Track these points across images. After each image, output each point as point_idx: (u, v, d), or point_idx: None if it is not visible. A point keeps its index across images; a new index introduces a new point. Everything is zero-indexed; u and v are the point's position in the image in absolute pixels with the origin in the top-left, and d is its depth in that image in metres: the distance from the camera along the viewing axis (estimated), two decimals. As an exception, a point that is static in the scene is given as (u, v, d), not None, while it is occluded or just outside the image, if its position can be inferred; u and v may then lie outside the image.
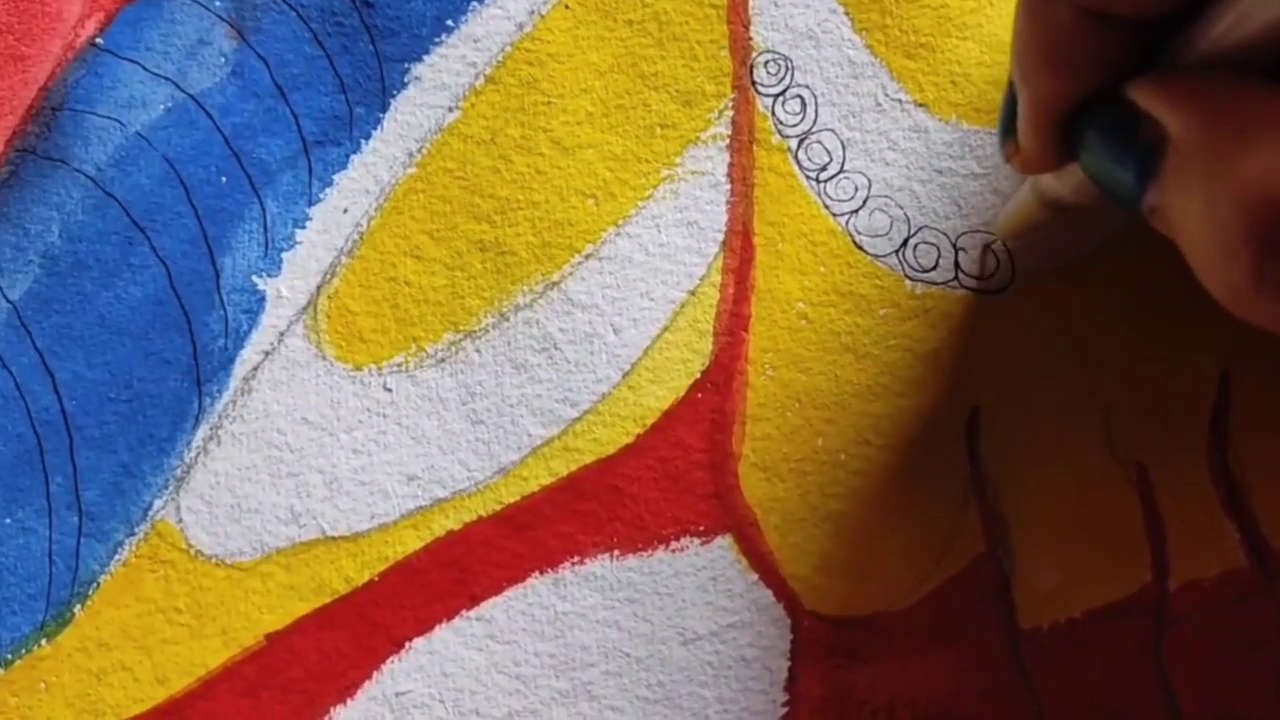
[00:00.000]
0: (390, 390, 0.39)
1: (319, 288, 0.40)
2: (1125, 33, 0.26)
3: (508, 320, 0.39)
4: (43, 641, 0.38)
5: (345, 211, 0.40)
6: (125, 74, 0.41)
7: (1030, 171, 0.32)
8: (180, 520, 0.39)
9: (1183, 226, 0.25)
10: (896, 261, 0.38)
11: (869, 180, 0.39)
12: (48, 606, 0.38)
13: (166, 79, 0.41)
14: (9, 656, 0.38)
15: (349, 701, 0.38)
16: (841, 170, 0.39)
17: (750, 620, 0.37)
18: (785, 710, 0.37)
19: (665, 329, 0.39)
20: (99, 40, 0.42)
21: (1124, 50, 0.27)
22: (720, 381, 0.39)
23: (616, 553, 0.38)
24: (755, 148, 0.40)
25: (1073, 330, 0.37)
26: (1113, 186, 0.27)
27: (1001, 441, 0.37)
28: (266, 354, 0.40)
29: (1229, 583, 0.36)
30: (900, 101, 0.39)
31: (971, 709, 0.36)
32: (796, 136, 0.39)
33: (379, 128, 0.41)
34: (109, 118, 0.41)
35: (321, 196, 0.41)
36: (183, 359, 0.40)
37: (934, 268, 0.38)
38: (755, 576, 0.38)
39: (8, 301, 0.40)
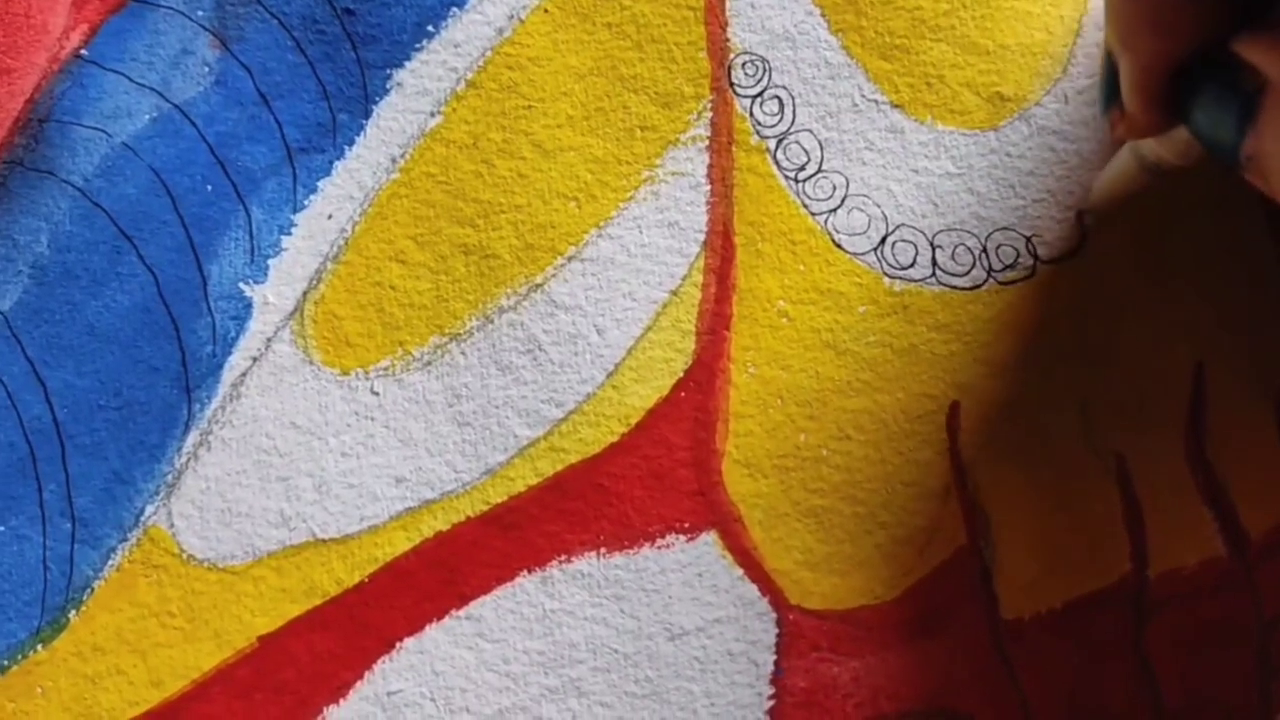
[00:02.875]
0: (377, 394, 0.40)
1: (305, 294, 0.40)
2: None
3: (492, 323, 0.40)
4: (38, 647, 0.39)
5: (330, 218, 0.41)
6: (110, 85, 0.42)
7: (1137, 136, 0.33)
8: (172, 525, 0.39)
9: (1275, 165, 0.26)
10: (875, 259, 0.39)
11: (847, 180, 0.39)
12: (43, 612, 0.39)
13: (151, 89, 0.42)
14: (5, 663, 0.39)
15: (341, 702, 0.38)
16: (819, 170, 0.40)
17: (736, 615, 0.38)
18: (771, 703, 0.37)
19: (648, 329, 0.39)
20: (84, 52, 0.42)
21: (1225, 10, 0.27)
22: (703, 380, 0.39)
23: (603, 550, 0.38)
24: (734, 148, 0.40)
25: (1050, 324, 0.38)
26: (1216, 138, 0.28)
27: (981, 435, 0.38)
28: (254, 360, 0.40)
29: (1207, 571, 0.36)
30: (877, 102, 0.40)
31: (955, 700, 0.37)
32: (775, 137, 0.40)
33: (362, 134, 0.41)
34: (95, 128, 0.41)
35: (306, 203, 0.41)
36: (172, 366, 0.40)
37: (911, 265, 0.39)
38: (740, 572, 0.38)
39: (-2, 312, 0.40)
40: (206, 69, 0.42)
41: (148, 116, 0.42)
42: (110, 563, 0.39)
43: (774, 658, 0.38)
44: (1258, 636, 0.36)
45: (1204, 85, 0.29)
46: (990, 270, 0.38)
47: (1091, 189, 0.37)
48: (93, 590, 0.39)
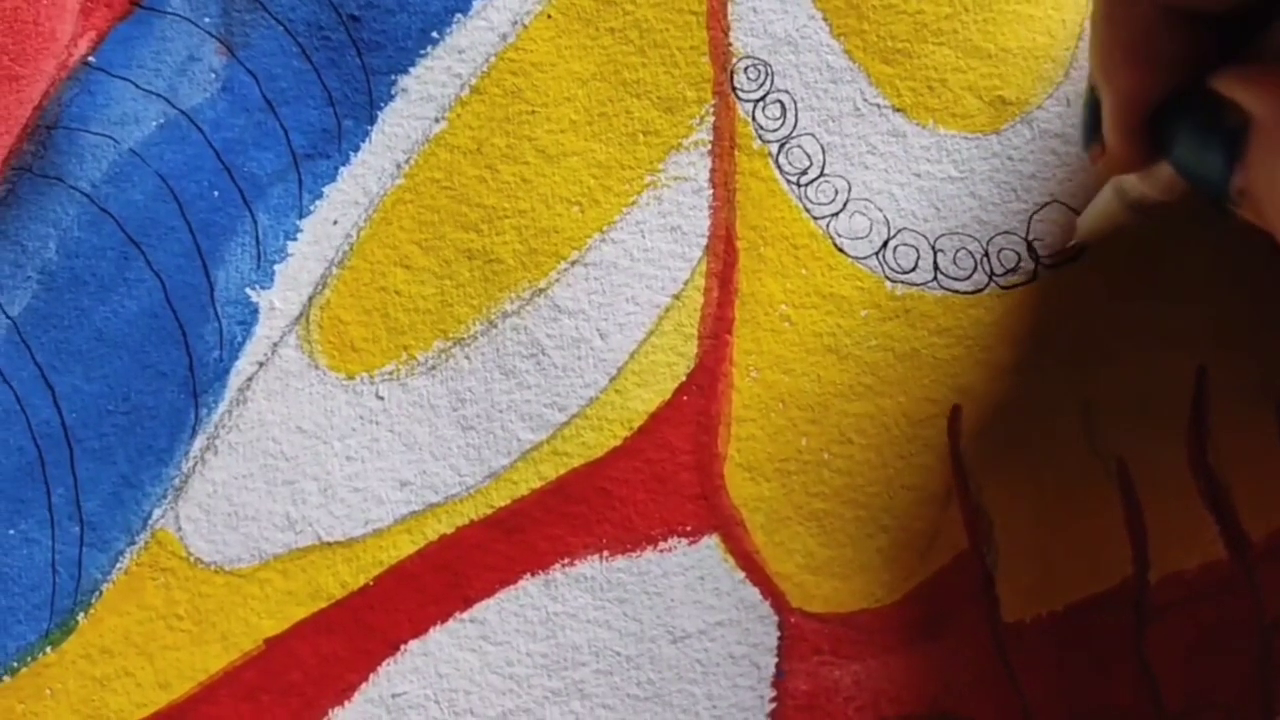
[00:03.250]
0: (382, 398, 0.40)
1: (311, 298, 0.41)
2: (1205, 28, 0.27)
3: (496, 327, 0.40)
4: (47, 649, 0.39)
5: (335, 223, 0.41)
6: (118, 91, 0.42)
7: (1118, 172, 0.33)
8: (179, 529, 0.40)
9: (1270, 200, 0.26)
10: (877, 263, 0.39)
11: (849, 184, 0.39)
12: (52, 615, 0.39)
13: (158, 95, 0.42)
14: (15, 664, 0.39)
15: (346, 704, 0.39)
16: (821, 174, 0.40)
17: (738, 618, 0.38)
18: (773, 706, 0.37)
19: (651, 333, 0.40)
20: (92, 59, 0.42)
21: (1204, 45, 0.28)
22: (705, 384, 0.39)
23: (606, 554, 0.39)
24: (736, 153, 0.40)
25: (1051, 327, 0.38)
26: (1201, 174, 0.28)
27: (983, 439, 0.38)
28: (261, 364, 0.40)
29: (1209, 575, 0.36)
30: (879, 106, 0.40)
31: (956, 704, 0.37)
32: (777, 141, 0.40)
33: (367, 140, 0.42)
34: (103, 135, 0.42)
35: (312, 209, 0.41)
36: (179, 371, 0.40)
37: (913, 269, 0.39)
38: (742, 575, 0.38)
39: (7, 317, 0.41)
40: (213, 75, 0.42)
41: (155, 123, 0.42)
42: (118, 566, 0.40)
43: (776, 660, 0.38)
44: (1259, 640, 0.36)
45: (1185, 121, 0.29)
46: (992, 274, 0.38)
47: (1077, 225, 0.37)
48: (101, 593, 0.39)
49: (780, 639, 0.38)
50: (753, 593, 0.38)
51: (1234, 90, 0.27)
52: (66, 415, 0.40)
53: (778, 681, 0.38)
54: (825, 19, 0.40)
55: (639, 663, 0.38)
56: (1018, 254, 0.38)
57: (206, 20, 0.43)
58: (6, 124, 0.42)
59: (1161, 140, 0.29)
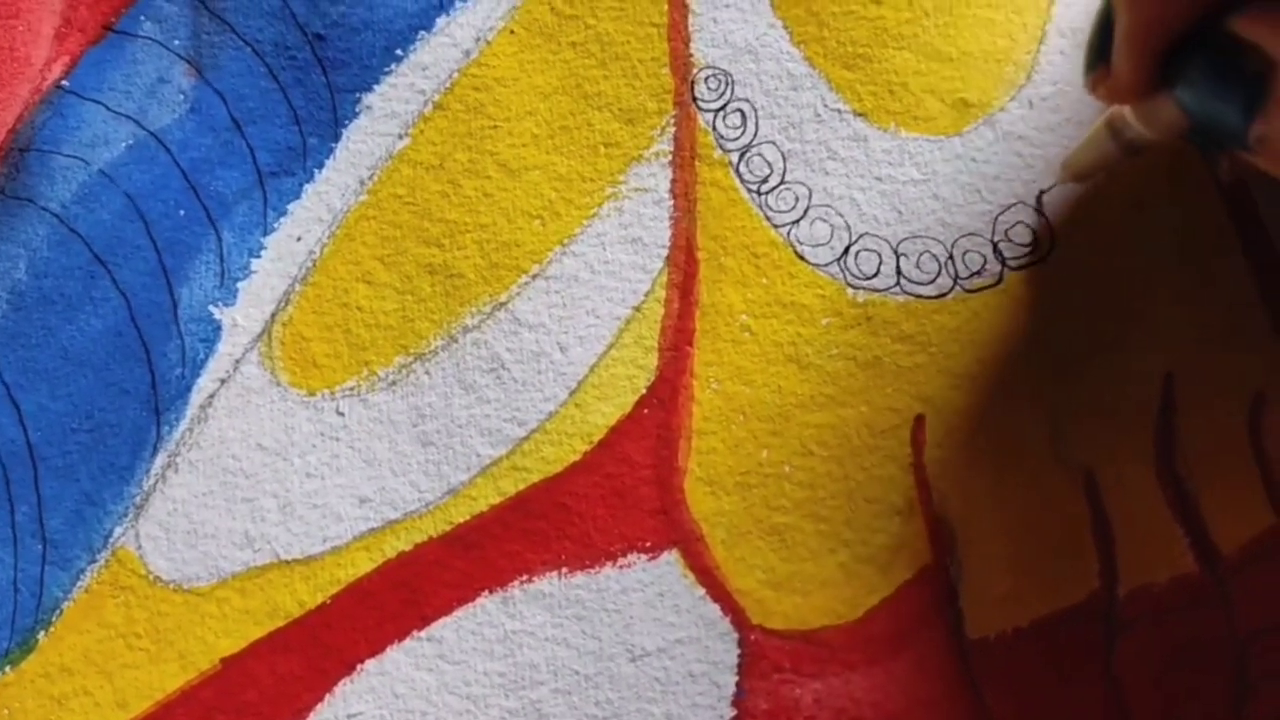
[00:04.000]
0: (343, 414, 0.40)
1: (273, 315, 0.41)
2: None
3: (456, 342, 0.40)
4: (6, 669, 0.39)
5: (299, 240, 0.41)
6: (89, 114, 0.43)
7: (1118, 99, 0.32)
8: (140, 547, 0.39)
9: None
10: (838, 269, 0.38)
11: (809, 190, 0.39)
12: (12, 634, 0.39)
13: (128, 117, 0.43)
14: (-26, 684, 0.39)
15: (302, 723, 0.38)
16: (782, 181, 0.39)
17: (697, 635, 0.37)
18: (733, 726, 0.36)
19: (611, 346, 0.39)
20: (65, 82, 0.43)
21: None
22: (666, 397, 0.38)
23: (565, 570, 0.38)
24: (697, 163, 0.40)
25: (1017, 333, 0.37)
26: (1217, 120, 0.28)
27: (947, 449, 0.37)
28: (222, 382, 0.40)
29: (1179, 588, 0.35)
30: (839, 111, 0.39)
31: (921, 722, 0.36)
32: (737, 150, 0.39)
33: (331, 157, 0.42)
34: (74, 157, 0.42)
35: (276, 226, 0.41)
36: (142, 389, 0.40)
37: (875, 274, 0.38)
38: (702, 592, 0.37)
39: (-25, 338, 0.41)
40: (182, 97, 0.43)
41: (124, 144, 0.42)
42: (79, 584, 0.39)
43: (735, 679, 0.37)
44: (1231, 654, 0.34)
45: (1200, 59, 0.28)
46: (956, 277, 0.37)
47: (1064, 164, 0.36)
48: (61, 611, 0.39)
49: (740, 656, 0.37)
50: (713, 609, 0.37)
51: (1259, 34, 0.26)
52: (31, 433, 0.40)
53: (738, 700, 0.37)
54: (785, 27, 0.40)
55: (597, 681, 0.37)
56: (983, 256, 0.37)
57: (176, 43, 0.43)
58: (-20, 148, 0.43)
59: (1170, 74, 0.29)
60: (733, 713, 0.37)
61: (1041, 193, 0.37)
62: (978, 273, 0.37)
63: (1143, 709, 0.34)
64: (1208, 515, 0.35)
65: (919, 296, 0.38)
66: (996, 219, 0.38)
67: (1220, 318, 0.36)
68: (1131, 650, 0.35)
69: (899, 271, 0.38)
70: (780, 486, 0.37)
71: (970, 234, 0.38)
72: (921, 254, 0.38)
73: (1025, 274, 0.37)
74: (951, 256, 0.38)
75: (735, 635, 0.37)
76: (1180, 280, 0.36)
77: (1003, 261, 0.37)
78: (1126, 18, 0.29)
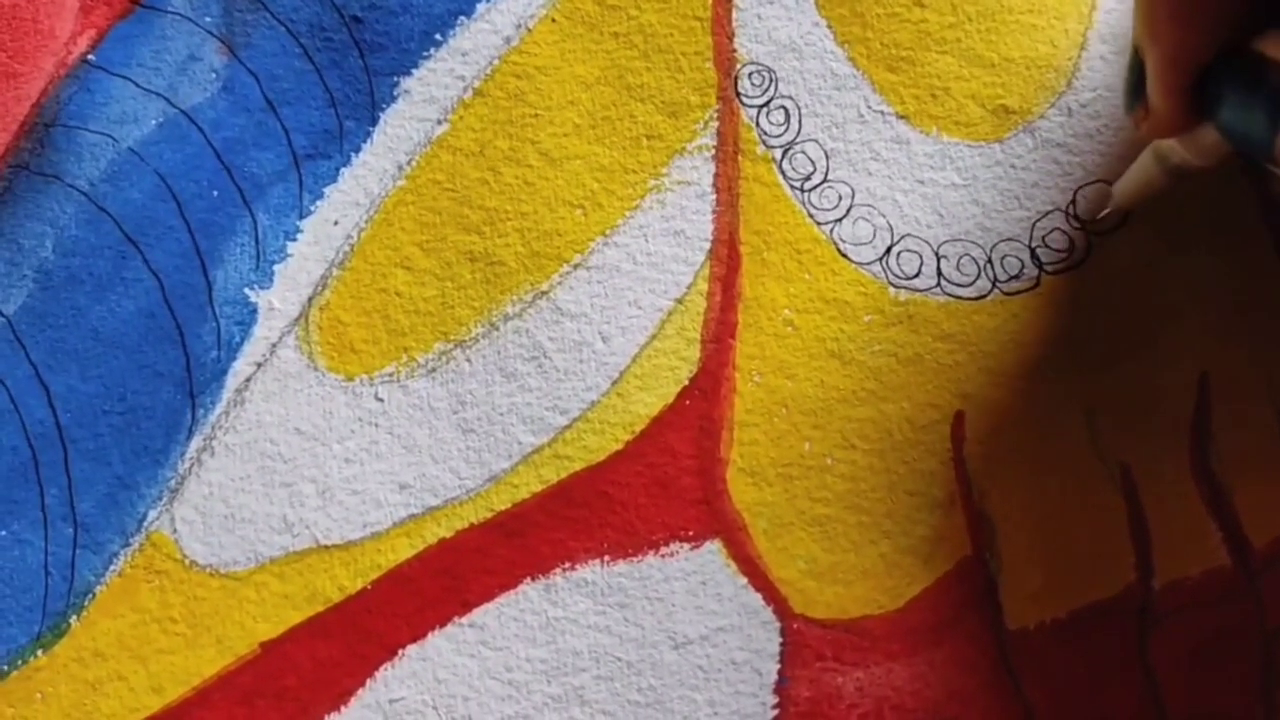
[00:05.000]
0: (382, 400, 0.40)
1: (310, 299, 0.40)
2: None
3: (497, 329, 0.40)
4: (39, 653, 0.39)
5: (336, 224, 0.41)
6: (117, 90, 0.42)
7: (1160, 134, 0.33)
8: (175, 531, 0.39)
9: None
10: (880, 269, 0.39)
11: (852, 190, 0.40)
12: (43, 618, 0.39)
13: (158, 95, 0.42)
14: (5, 668, 0.38)
15: (343, 709, 0.38)
16: (825, 180, 0.40)
17: (739, 624, 0.38)
18: (775, 713, 0.37)
19: (653, 337, 0.39)
20: (91, 57, 0.42)
21: (1249, 6, 0.28)
22: (708, 388, 0.39)
23: (607, 558, 0.38)
24: (740, 158, 0.40)
25: (1055, 334, 0.38)
26: (1246, 134, 0.29)
27: (986, 444, 0.38)
28: (259, 365, 0.40)
29: (1212, 581, 0.36)
30: (882, 113, 0.40)
31: (959, 710, 0.37)
32: (781, 147, 0.40)
33: (369, 141, 0.41)
34: (101, 133, 0.41)
35: (312, 209, 0.41)
36: (176, 371, 0.40)
37: (917, 275, 0.39)
38: (744, 580, 0.38)
39: (2, 316, 0.40)
40: (214, 75, 0.42)
41: (154, 122, 0.42)
42: (112, 568, 0.39)
43: (778, 667, 0.37)
44: (1262, 647, 0.36)
45: (1229, 83, 0.29)
46: (995, 281, 0.38)
47: (1113, 192, 0.37)
48: (94, 595, 0.39)
49: (782, 645, 0.38)
50: (755, 598, 0.38)
51: (1278, 52, 0.27)
52: (61, 415, 0.40)
53: (780, 688, 0.37)
54: (829, 26, 0.40)
55: (640, 668, 0.38)
56: (1021, 261, 0.38)
57: (208, 20, 0.42)
58: (3, 121, 0.42)
59: (1206, 102, 0.30)
60: (775, 700, 0.37)
61: (1076, 191, 0.38)
62: (1016, 276, 0.38)
63: (1175, 699, 0.36)
64: (1240, 511, 0.36)
65: (959, 298, 0.39)
66: (1034, 225, 0.39)
67: (1254, 319, 0.37)
68: (1165, 642, 0.36)
69: (939, 273, 0.39)
70: (822, 479, 0.38)
71: (1009, 239, 0.39)
72: (961, 257, 0.39)
73: (1062, 278, 0.38)
74: (990, 260, 0.39)
75: (777, 624, 0.38)
76: (1215, 283, 0.38)
77: (1040, 266, 0.38)
78: (1152, 55, 0.30)
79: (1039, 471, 0.38)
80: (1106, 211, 0.38)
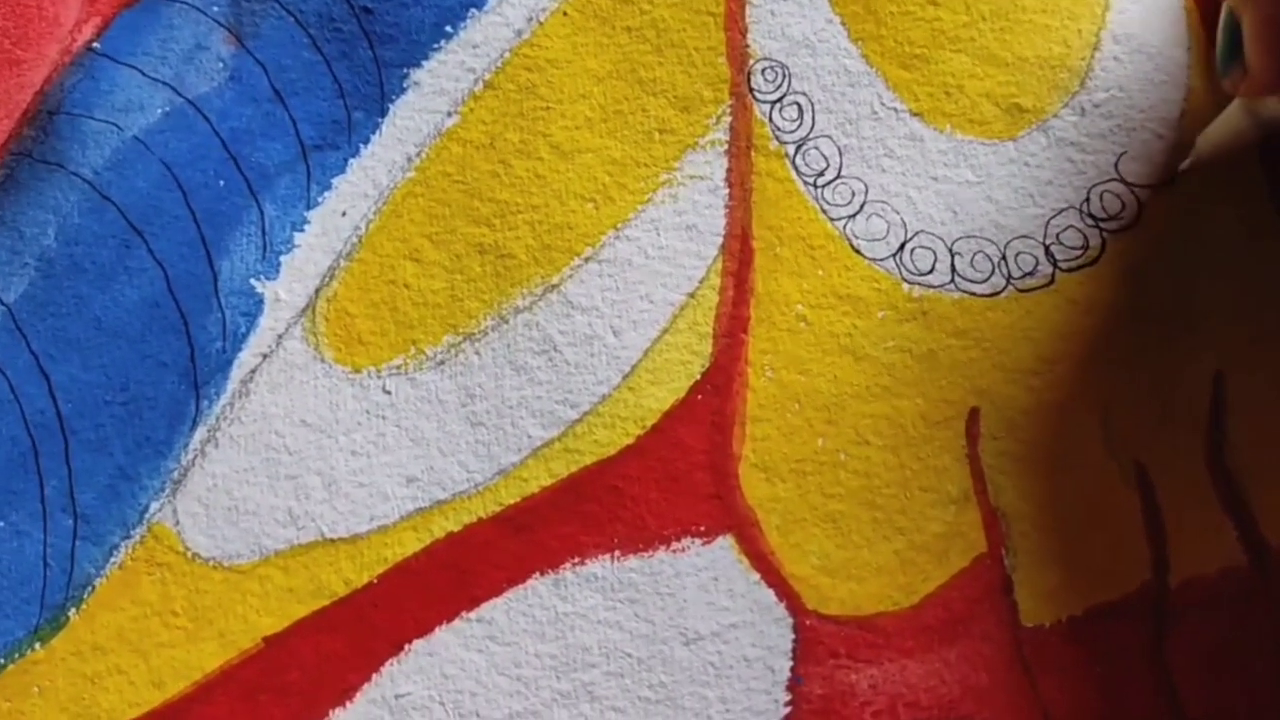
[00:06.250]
0: (389, 392, 0.39)
1: (317, 290, 0.40)
2: None
3: (507, 323, 0.39)
4: (36, 645, 0.38)
5: (344, 215, 0.40)
6: (123, 78, 0.41)
7: (1261, 93, 0.33)
8: (177, 523, 0.38)
9: None
10: (894, 265, 0.39)
11: (866, 186, 0.39)
12: (41, 610, 0.38)
13: (164, 83, 0.41)
14: (2, 661, 0.38)
15: (348, 704, 0.37)
16: (839, 176, 0.40)
17: (752, 620, 0.37)
18: (787, 710, 0.37)
19: (665, 331, 0.39)
20: (96, 45, 0.42)
21: None
22: (720, 383, 0.39)
23: (617, 553, 0.38)
24: (753, 153, 0.40)
25: (1069, 330, 0.38)
26: None
27: (1001, 441, 0.38)
28: (264, 356, 0.40)
29: (1229, 580, 0.36)
30: (896, 110, 0.40)
31: (974, 708, 0.36)
32: (794, 142, 0.40)
33: (377, 132, 0.41)
34: (106, 121, 0.41)
35: (320, 200, 0.41)
36: (180, 361, 0.39)
37: (930, 271, 0.39)
38: (756, 576, 0.38)
39: (3, 304, 0.40)
40: (221, 65, 0.42)
41: (160, 111, 0.41)
42: (113, 560, 0.38)
43: (790, 664, 0.37)
44: (1279, 645, 0.36)
45: None
46: (1009, 277, 0.38)
47: (1197, 143, 0.37)
48: (94, 588, 0.38)
49: (795, 642, 0.37)
50: (767, 594, 0.38)
51: None
52: (62, 405, 0.39)
53: (793, 685, 0.37)
54: (843, 23, 0.40)
55: (650, 665, 0.37)
56: (1035, 258, 0.38)
57: (215, 9, 0.42)
58: (6, 108, 0.41)
59: None
60: (787, 697, 0.37)
61: (1089, 190, 0.38)
62: (1030, 273, 0.38)
63: (1192, 698, 0.36)
64: (1257, 508, 0.36)
65: (973, 294, 0.38)
66: (1049, 222, 0.39)
67: (1271, 318, 0.37)
68: (1182, 640, 0.36)
69: (953, 269, 0.39)
70: (836, 474, 0.38)
71: (1023, 236, 0.39)
72: (975, 254, 0.39)
73: (1077, 276, 0.38)
74: (1005, 257, 0.39)
75: (790, 620, 0.37)
76: (1231, 279, 0.38)
77: (1054, 263, 0.38)
78: (1251, 17, 0.30)
79: (1054, 468, 0.37)
80: (1188, 164, 0.38)
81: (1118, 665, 0.36)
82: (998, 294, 0.38)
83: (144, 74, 0.41)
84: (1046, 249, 0.39)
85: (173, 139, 0.41)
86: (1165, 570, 0.36)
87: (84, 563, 0.38)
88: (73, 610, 0.38)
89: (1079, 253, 0.38)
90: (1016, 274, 0.38)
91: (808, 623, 0.37)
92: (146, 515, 0.39)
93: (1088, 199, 0.39)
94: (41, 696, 0.37)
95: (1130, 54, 0.39)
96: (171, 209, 0.40)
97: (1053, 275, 0.38)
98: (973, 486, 0.37)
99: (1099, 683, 0.36)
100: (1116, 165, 0.39)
